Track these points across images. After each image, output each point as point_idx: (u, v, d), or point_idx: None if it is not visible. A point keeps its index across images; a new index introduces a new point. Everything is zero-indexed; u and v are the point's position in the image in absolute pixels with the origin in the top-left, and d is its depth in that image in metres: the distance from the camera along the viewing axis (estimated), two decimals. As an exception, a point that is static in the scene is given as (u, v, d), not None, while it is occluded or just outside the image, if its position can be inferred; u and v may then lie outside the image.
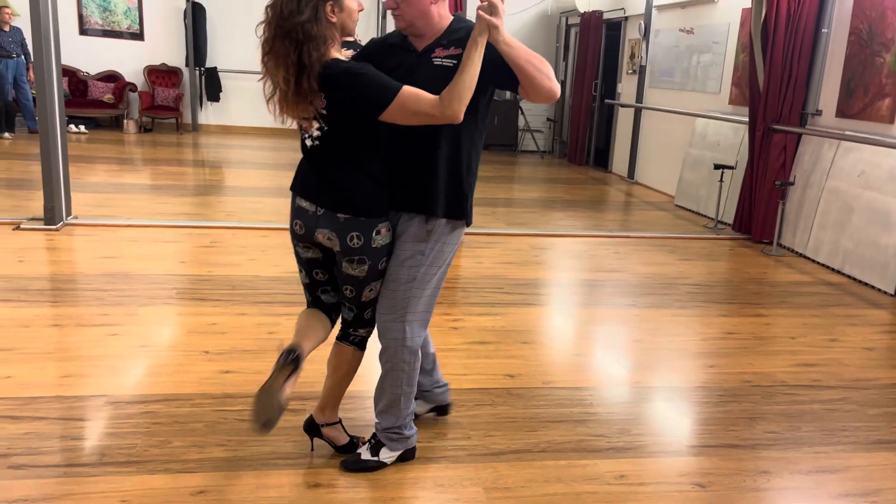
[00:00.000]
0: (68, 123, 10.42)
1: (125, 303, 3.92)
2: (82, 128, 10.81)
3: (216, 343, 3.46)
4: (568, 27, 11.71)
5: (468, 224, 2.41)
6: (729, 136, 7.26)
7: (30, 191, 6.47)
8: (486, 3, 2.07)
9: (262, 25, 2.11)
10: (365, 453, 2.50)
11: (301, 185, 2.31)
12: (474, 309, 4.18)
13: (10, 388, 2.90)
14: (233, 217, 6.15)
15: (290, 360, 2.27)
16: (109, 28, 11.47)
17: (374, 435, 2.52)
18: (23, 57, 9.88)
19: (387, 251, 2.33)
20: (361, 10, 2.21)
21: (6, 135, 9.75)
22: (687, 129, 8.13)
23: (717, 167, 6.74)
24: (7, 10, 9.75)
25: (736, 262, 5.69)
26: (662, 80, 8.90)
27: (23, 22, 9.65)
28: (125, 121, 11.22)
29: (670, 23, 8.73)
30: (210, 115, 12.06)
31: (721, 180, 6.76)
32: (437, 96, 2.07)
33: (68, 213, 5.52)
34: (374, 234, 2.26)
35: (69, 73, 10.88)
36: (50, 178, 5.25)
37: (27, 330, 3.48)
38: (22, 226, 5.28)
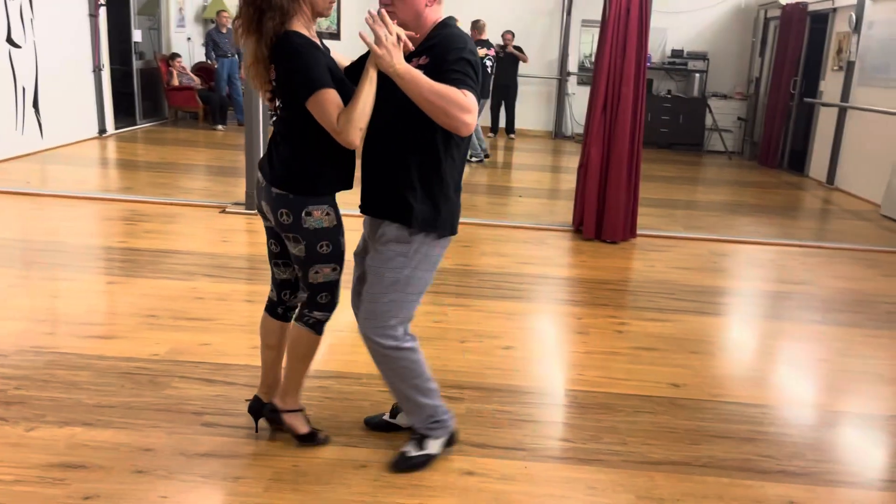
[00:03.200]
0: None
1: (309, 284, 4.23)
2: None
3: (386, 328, 3.63)
4: (767, 21, 10.94)
5: (449, 234, 2.27)
6: (952, 139, 6.44)
7: (236, 178, 7.14)
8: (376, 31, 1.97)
9: None
10: (411, 451, 2.42)
11: (263, 159, 2.37)
12: (643, 313, 4.06)
13: (208, 354, 3.25)
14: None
15: (269, 419, 2.54)
16: (311, 29, 12.36)
17: (412, 430, 2.47)
18: (236, 56, 10.89)
19: (327, 235, 2.27)
20: None
21: (219, 127, 10.82)
22: (900, 132, 7.32)
23: (934, 174, 6.02)
24: (225, 14, 10.81)
25: (951, 281, 5.05)
26: (875, 76, 8.06)
27: (238, 25, 10.65)
28: (320, 115, 12.04)
29: (887, 13, 7.88)
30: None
31: (939, 189, 6.03)
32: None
33: (266, 200, 6.04)
34: (303, 213, 2.22)
35: (274, 71, 11.86)
36: (252, 166, 5.77)
37: (224, 303, 3.87)
38: (227, 209, 5.85)
